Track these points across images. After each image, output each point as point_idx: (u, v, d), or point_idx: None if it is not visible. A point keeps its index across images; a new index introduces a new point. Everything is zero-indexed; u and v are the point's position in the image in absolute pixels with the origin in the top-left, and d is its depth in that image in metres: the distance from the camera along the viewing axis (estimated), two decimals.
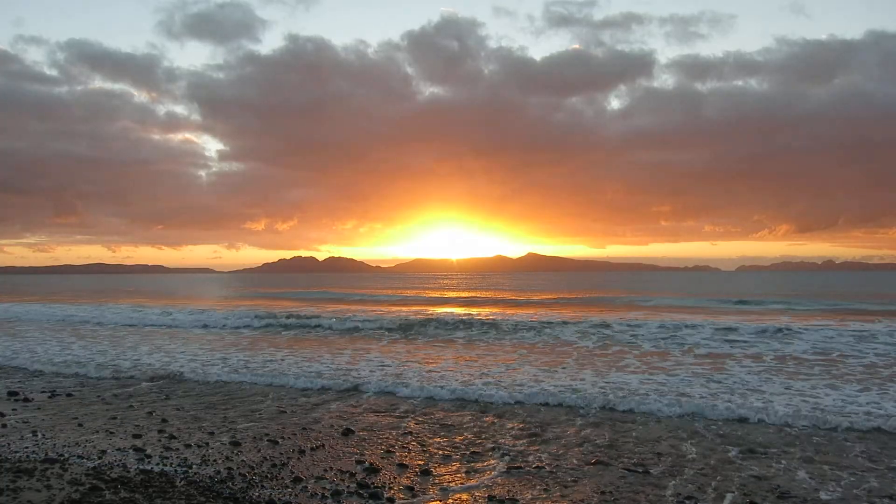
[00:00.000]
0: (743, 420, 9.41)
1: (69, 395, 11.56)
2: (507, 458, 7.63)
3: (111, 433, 8.65)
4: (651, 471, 7.09)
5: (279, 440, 8.34)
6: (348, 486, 6.50)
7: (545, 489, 6.54)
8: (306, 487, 6.45)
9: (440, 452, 7.84)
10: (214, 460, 7.34)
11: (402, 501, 6.18)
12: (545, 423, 9.42)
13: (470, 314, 27.99)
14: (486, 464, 7.42)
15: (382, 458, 7.59)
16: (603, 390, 11.46)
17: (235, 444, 8.11)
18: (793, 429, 8.93)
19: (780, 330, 19.01)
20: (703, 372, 13.41)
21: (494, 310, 33.60)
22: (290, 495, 6.20)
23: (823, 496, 6.35)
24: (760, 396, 10.84)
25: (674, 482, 6.73)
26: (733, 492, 6.43)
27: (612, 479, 6.84)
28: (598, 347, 17.50)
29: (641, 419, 9.58)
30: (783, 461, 7.46)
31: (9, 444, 7.97)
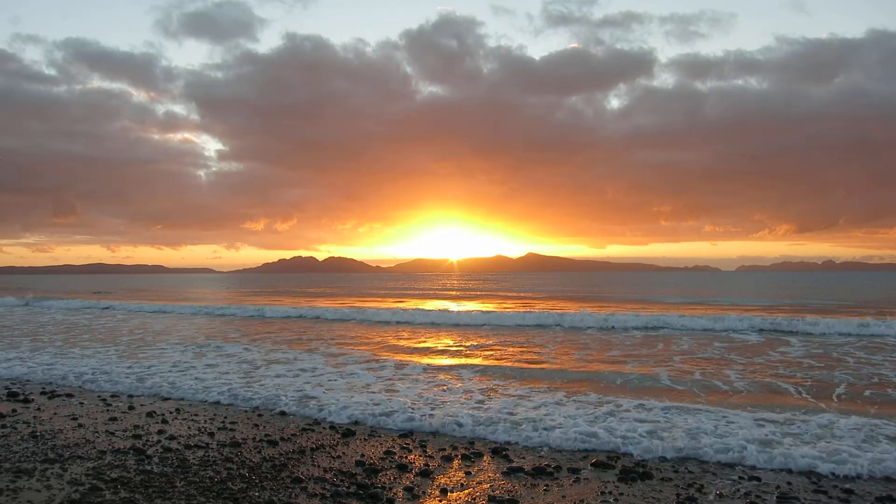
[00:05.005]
0: None
1: (69, 395, 11.57)
2: (507, 458, 7.64)
3: (111, 433, 8.65)
4: (652, 472, 7.09)
5: (279, 441, 8.34)
6: (348, 488, 6.50)
7: (545, 489, 6.55)
8: (306, 488, 6.45)
9: (440, 453, 7.84)
10: (214, 461, 7.35)
11: (402, 502, 6.19)
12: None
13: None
14: (486, 464, 7.43)
15: (382, 458, 7.60)
16: None
17: (235, 444, 8.12)
18: None
19: None
20: None
21: None
22: (290, 496, 6.20)
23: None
24: None
25: (674, 482, 6.75)
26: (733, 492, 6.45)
27: (612, 479, 6.86)
28: None
29: None
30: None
31: (9, 444, 7.97)
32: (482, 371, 14.12)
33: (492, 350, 17.99)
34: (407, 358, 16.30)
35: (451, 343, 19.92)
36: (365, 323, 27.13)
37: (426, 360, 15.95)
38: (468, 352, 17.80)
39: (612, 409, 9.87)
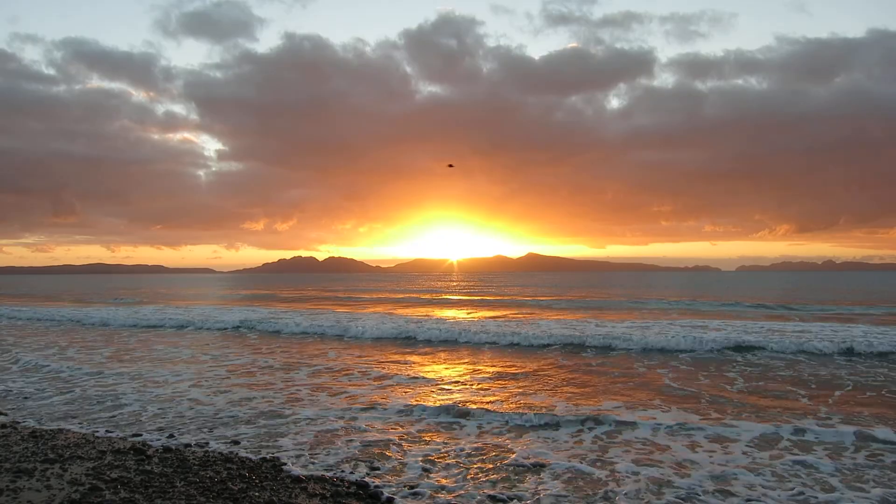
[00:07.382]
0: None
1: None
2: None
3: (111, 433, 8.65)
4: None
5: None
6: (348, 488, 6.49)
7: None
8: (306, 488, 6.45)
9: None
10: (214, 461, 7.34)
11: (402, 502, 6.18)
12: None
13: None
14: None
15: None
16: None
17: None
18: None
19: None
20: None
21: None
22: (290, 496, 6.19)
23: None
24: None
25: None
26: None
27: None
28: None
29: None
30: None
31: (9, 444, 7.97)
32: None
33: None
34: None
35: (454, 368, 14.71)
36: (347, 339, 21.13)
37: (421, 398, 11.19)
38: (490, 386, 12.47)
39: None
